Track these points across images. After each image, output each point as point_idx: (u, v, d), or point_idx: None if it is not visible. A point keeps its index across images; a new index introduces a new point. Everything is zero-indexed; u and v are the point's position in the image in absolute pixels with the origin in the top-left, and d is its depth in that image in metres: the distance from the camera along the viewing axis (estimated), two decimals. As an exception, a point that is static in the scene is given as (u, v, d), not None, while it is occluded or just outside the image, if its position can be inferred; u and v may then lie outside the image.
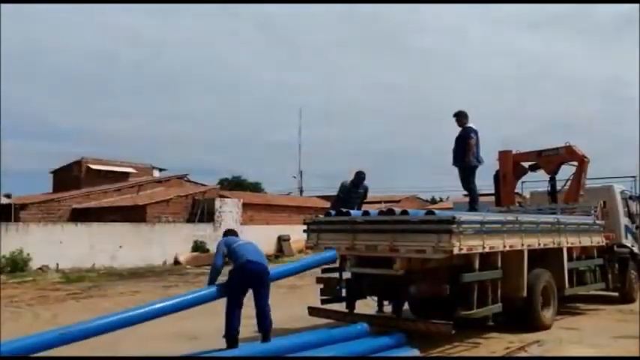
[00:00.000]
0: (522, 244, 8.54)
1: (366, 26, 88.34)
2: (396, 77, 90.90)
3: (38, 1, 51.86)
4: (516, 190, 13.41)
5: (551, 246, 9.34)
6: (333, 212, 8.88)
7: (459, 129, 10.01)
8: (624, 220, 12.07)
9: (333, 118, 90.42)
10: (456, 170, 10.12)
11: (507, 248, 8.19)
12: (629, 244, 12.01)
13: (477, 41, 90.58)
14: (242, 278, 6.50)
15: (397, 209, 8.08)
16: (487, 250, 7.72)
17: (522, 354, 7.45)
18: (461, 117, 9.98)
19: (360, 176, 10.05)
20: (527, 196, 13.90)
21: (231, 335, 6.37)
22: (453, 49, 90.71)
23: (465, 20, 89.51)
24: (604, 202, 11.62)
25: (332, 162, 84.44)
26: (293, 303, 10.83)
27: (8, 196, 28.34)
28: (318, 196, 41.71)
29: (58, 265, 21.17)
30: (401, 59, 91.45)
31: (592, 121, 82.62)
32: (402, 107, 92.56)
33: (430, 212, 7.76)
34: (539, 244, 8.98)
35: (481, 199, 10.80)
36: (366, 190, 10.27)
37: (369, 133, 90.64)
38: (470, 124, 9.94)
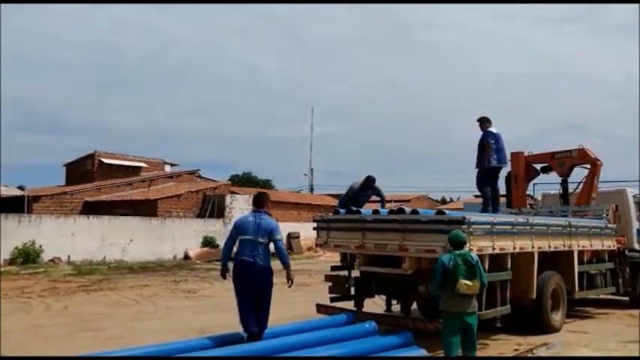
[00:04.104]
0: (533, 246, 8.52)
1: (379, 23, 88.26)
2: (408, 74, 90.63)
3: (38, 1, 52.07)
4: (528, 192, 13.34)
5: (561, 249, 9.30)
6: (342, 210, 8.88)
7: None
8: (636, 224, 11.96)
9: (345, 116, 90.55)
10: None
11: (517, 250, 8.16)
12: (640, 249, 11.92)
13: (491, 39, 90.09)
14: (236, 276, 6.63)
15: (407, 208, 8.06)
16: (497, 251, 7.69)
17: (530, 356, 7.42)
18: (483, 122, 10.12)
19: (369, 181, 9.97)
20: (539, 198, 13.81)
21: (249, 333, 6.43)
22: (466, 46, 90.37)
23: (478, 18, 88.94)
24: (616, 206, 11.54)
25: (343, 159, 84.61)
26: (303, 300, 10.85)
27: (21, 188, 28.62)
28: (329, 194, 41.74)
29: (69, 257, 21.40)
30: (414, 57, 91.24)
31: (606, 121, 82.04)
32: (414, 105, 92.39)
33: (440, 212, 7.73)
34: (549, 247, 8.95)
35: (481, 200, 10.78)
36: (377, 191, 10.23)
37: (381, 131, 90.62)
38: (491, 129, 10.03)
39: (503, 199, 12.74)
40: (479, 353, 7.44)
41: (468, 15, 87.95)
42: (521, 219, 8.69)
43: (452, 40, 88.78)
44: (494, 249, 7.60)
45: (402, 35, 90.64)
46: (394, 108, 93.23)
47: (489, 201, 10.06)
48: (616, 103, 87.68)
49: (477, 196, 41.18)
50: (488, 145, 9.90)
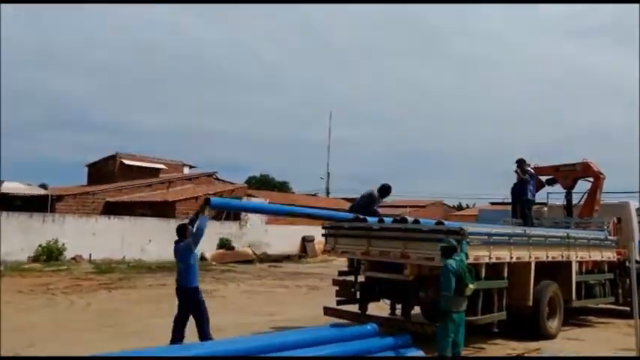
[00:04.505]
0: (530, 256, 8.94)
1: (403, 28, 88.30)
2: (432, 79, 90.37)
3: (41, 1, 53.23)
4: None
5: (559, 259, 9.69)
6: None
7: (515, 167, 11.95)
8: (638, 236, 12.24)
9: (365, 119, 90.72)
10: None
11: (514, 259, 8.59)
12: (642, 260, 12.19)
13: (517, 47, 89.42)
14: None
15: (410, 218, 8.54)
16: (494, 260, 8.15)
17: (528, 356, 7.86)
18: (523, 163, 11.81)
19: (383, 190, 10.15)
20: (545, 209, 14.16)
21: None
22: (490, 53, 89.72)
23: (504, 25, 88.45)
24: (618, 219, 11.87)
25: (361, 163, 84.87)
26: (314, 303, 11.31)
27: (43, 186, 29.45)
28: (344, 198, 42.15)
29: (90, 255, 22.13)
30: (438, 62, 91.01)
31: (629, 131, 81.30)
32: (435, 111, 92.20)
33: (440, 222, 8.22)
34: (547, 257, 9.35)
35: (498, 207, 11.28)
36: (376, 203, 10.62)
37: (401, 135, 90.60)
38: (520, 173, 11.80)
39: (508, 207, 13.33)
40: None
41: (496, 23, 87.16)
42: (518, 230, 9.12)
43: (479, 47, 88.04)
44: (490, 258, 8.06)
45: (429, 41, 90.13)
46: (419, 113, 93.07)
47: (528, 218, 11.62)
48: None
49: (492, 204, 41.40)
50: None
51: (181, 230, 7.84)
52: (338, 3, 71.76)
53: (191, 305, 7.46)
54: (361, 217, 9.19)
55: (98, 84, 76.70)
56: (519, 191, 11.93)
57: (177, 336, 7.34)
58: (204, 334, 7.37)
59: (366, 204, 10.46)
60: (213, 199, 7.98)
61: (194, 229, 7.55)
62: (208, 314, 7.53)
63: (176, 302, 7.65)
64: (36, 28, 71.87)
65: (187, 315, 7.48)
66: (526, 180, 11.76)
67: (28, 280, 16.11)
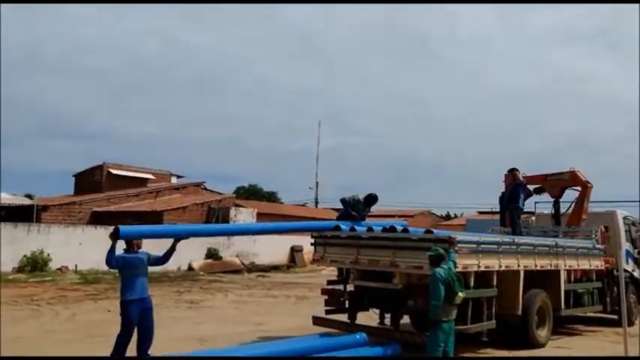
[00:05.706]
0: (519, 265, 8.95)
1: (393, 35, 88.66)
2: (422, 88, 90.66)
3: (43, 1, 53.21)
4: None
5: (548, 268, 9.72)
6: (343, 227, 9.25)
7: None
8: (626, 245, 12.33)
9: (355, 128, 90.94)
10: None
11: (503, 268, 8.59)
12: (629, 269, 12.27)
13: (505, 54, 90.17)
14: None
15: (399, 226, 8.52)
16: (482, 268, 8.14)
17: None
18: (518, 172, 11.74)
19: (370, 199, 10.20)
20: (533, 217, 14.22)
21: None
22: (478, 60, 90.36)
23: (494, 32, 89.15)
24: (606, 227, 11.94)
25: (351, 173, 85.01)
26: (303, 313, 11.25)
27: (29, 196, 29.18)
28: (333, 208, 42.13)
29: (76, 266, 21.88)
30: (428, 70, 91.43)
31: (619, 140, 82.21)
32: (425, 119, 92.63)
33: (428, 231, 8.20)
34: (536, 266, 9.37)
35: (485, 217, 11.31)
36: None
37: (390, 143, 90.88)
38: (521, 178, 11.74)
39: (496, 216, 13.34)
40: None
41: (485, 30, 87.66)
42: (507, 239, 9.14)
43: (468, 55, 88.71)
44: (479, 267, 8.05)
45: (418, 48, 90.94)
46: (408, 122, 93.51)
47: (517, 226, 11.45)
48: (630, 120, 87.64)
49: (480, 213, 41.52)
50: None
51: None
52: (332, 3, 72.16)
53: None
54: (342, 226, 9.08)
55: (86, 91, 76.48)
56: (510, 198, 11.74)
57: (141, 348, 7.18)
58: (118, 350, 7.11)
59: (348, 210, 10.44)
60: (123, 228, 7.03)
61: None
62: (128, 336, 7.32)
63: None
64: (25, 32, 71.57)
65: (142, 326, 7.39)
66: (520, 186, 11.58)
67: (11, 291, 15.86)
